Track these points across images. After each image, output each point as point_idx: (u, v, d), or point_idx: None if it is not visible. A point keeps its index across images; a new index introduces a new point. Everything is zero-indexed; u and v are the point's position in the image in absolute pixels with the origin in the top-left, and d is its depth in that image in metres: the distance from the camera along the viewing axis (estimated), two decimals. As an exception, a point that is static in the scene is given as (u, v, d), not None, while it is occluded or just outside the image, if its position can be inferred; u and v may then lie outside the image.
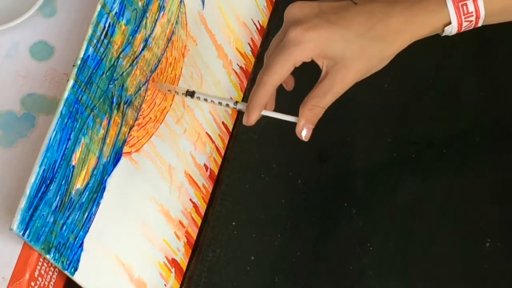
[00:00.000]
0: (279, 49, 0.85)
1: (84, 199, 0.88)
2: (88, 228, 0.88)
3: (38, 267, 0.86)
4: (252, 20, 1.16)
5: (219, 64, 1.09)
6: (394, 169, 1.25)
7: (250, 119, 0.87)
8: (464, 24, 0.85)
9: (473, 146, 1.25)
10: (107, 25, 0.88)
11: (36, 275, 0.86)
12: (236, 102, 0.91)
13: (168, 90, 0.97)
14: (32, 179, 0.82)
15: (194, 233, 1.06)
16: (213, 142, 1.09)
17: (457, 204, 1.22)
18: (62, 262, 0.85)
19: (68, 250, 0.86)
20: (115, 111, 0.91)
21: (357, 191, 1.24)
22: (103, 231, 0.90)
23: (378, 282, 1.18)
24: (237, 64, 1.13)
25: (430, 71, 1.29)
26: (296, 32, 0.84)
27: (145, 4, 0.94)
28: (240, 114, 1.13)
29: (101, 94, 0.89)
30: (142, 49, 0.94)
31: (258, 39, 1.17)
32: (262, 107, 0.87)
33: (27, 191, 0.81)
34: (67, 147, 0.85)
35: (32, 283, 0.85)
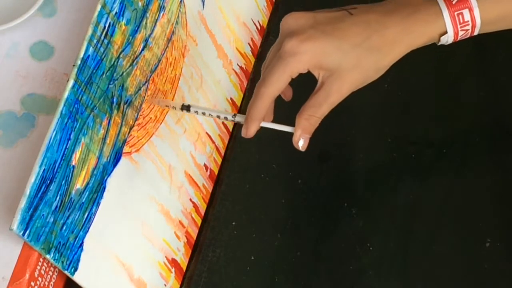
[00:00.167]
0: (275, 60, 0.84)
1: (84, 199, 0.88)
2: (88, 228, 0.88)
3: (38, 267, 0.86)
4: (252, 20, 1.16)
5: (219, 64, 1.09)
6: (394, 169, 1.25)
7: (249, 132, 0.87)
8: (460, 33, 0.85)
9: (473, 146, 1.25)
10: (107, 25, 0.88)
11: (36, 275, 0.86)
12: (235, 115, 0.90)
13: (166, 106, 0.97)
14: (32, 179, 0.82)
15: (194, 233, 1.06)
16: (213, 142, 1.09)
17: (457, 204, 1.22)
18: (62, 262, 0.85)
19: (68, 250, 0.86)
20: (115, 111, 0.91)
21: (357, 191, 1.24)
22: (103, 231, 0.90)
23: (378, 282, 1.18)
24: (237, 64, 1.13)
25: (430, 71, 1.29)
26: (292, 43, 0.83)
27: (145, 4, 0.93)
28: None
29: (101, 94, 0.89)
30: (142, 49, 0.94)
31: (258, 39, 1.17)
32: (261, 119, 0.86)
33: (27, 191, 0.81)
34: (67, 147, 0.85)
35: (32, 283, 0.85)
